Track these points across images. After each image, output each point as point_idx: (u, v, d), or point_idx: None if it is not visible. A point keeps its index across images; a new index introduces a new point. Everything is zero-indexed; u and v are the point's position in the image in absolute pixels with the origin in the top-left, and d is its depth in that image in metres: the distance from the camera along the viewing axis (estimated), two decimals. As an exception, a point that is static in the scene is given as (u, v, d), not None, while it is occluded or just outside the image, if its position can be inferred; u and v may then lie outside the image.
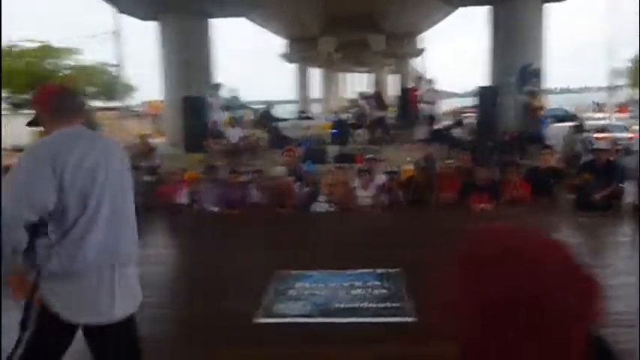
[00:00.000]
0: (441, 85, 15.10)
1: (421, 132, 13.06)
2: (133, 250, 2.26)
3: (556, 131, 12.37)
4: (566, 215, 6.79)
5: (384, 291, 3.88)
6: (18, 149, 22.96)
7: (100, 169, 2.11)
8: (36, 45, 29.11)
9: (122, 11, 16.03)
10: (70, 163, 2.01)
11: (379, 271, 4.28)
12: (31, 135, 22.17)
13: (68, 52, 30.61)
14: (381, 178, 7.33)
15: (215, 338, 3.29)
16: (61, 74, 31.08)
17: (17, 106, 30.58)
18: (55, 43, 29.90)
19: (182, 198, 7.37)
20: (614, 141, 10.41)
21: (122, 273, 2.16)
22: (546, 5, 13.34)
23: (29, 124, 2.35)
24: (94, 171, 2.08)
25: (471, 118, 14.03)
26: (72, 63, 31.52)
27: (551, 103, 22.86)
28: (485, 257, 0.77)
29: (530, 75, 12.50)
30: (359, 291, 3.90)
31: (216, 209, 7.11)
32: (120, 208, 2.18)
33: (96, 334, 2.14)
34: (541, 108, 12.22)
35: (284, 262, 4.64)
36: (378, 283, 4.05)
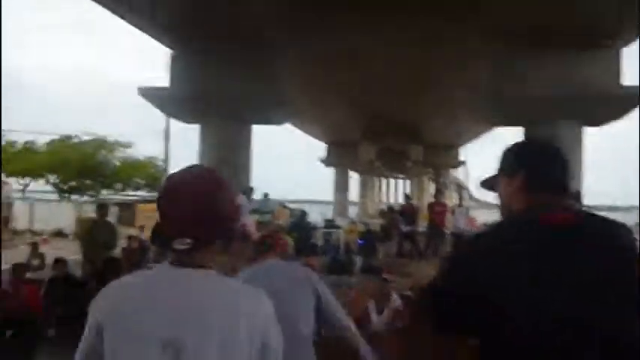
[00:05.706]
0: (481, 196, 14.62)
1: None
2: None
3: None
4: None
5: None
6: (59, 233, 23.46)
7: None
8: (92, 137, 31.41)
9: (169, 115, 16.97)
10: None
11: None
12: (75, 222, 22.75)
13: (120, 145, 32.60)
14: (397, 301, 6.86)
15: None
16: (111, 165, 32.86)
17: (65, 191, 32.11)
18: (110, 138, 32.06)
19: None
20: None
21: None
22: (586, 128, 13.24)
23: None
24: None
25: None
26: (122, 156, 33.42)
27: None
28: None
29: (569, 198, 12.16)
30: None
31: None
32: None
33: None
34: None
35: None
36: None
